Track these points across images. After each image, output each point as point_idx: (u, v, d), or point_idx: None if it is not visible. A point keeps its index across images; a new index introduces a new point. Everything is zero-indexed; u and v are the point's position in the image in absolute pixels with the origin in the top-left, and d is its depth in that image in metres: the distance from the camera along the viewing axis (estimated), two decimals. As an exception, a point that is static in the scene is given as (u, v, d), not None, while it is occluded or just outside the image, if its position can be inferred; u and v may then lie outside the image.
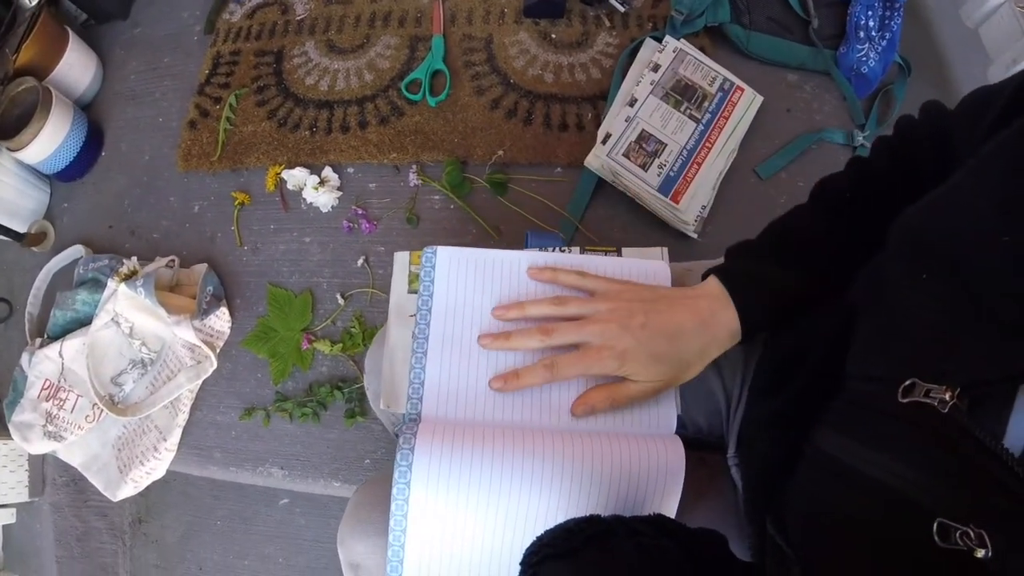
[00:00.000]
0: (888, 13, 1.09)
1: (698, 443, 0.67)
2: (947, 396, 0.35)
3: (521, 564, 0.46)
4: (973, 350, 0.36)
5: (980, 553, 0.31)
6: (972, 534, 0.32)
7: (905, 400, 0.37)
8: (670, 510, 0.57)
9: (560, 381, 0.57)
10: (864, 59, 1.09)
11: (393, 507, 0.54)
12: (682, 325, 0.54)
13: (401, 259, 0.71)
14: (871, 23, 1.08)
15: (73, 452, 1.10)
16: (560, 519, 0.50)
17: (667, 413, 0.61)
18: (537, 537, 0.47)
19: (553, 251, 0.75)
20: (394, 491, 0.53)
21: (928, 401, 0.36)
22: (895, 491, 0.36)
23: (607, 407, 0.57)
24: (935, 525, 0.33)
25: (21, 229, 1.20)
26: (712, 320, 0.54)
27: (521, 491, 0.53)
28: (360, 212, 1.09)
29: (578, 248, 0.82)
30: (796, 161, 1.06)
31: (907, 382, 0.37)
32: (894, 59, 1.10)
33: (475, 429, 0.57)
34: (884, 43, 1.09)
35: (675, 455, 0.56)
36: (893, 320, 0.42)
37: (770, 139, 1.07)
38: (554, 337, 0.56)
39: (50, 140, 1.14)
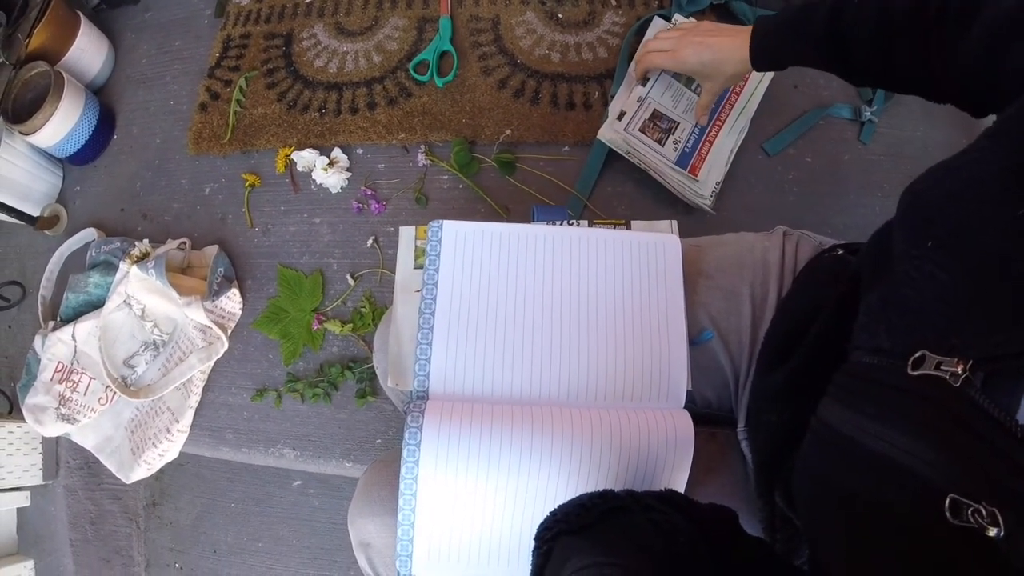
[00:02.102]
0: (897, -11, 1.09)
1: (708, 418, 0.67)
2: (959, 369, 0.34)
3: (535, 540, 0.46)
4: (985, 322, 0.35)
5: (992, 532, 0.30)
6: (984, 512, 0.31)
7: (915, 373, 0.36)
8: (680, 484, 0.57)
9: (645, 66, 0.92)
10: (873, 33, 1.09)
11: (402, 486, 0.54)
12: (720, 38, 0.79)
13: (407, 234, 0.70)
14: (879, -1, 1.08)
15: (86, 435, 1.11)
16: (571, 495, 0.50)
17: (677, 385, 0.61)
18: (550, 512, 0.47)
19: (560, 224, 0.75)
20: (403, 470, 0.53)
21: (939, 374, 0.35)
22: (904, 467, 0.35)
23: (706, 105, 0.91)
24: (947, 501, 0.32)
25: (34, 212, 1.21)
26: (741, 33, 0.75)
27: (531, 467, 0.54)
28: (369, 193, 1.09)
29: (586, 221, 0.82)
30: (804, 137, 1.06)
31: (917, 354, 0.37)
32: (905, 32, 1.09)
33: (484, 406, 0.57)
34: (893, 16, 1.08)
35: (684, 428, 0.57)
36: (900, 290, 0.41)
37: (778, 115, 1.07)
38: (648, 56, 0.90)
39: (62, 124, 1.15)
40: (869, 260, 0.50)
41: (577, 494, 0.49)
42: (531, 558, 0.46)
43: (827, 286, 0.55)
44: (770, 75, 1.06)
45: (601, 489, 0.49)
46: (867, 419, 0.39)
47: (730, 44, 0.77)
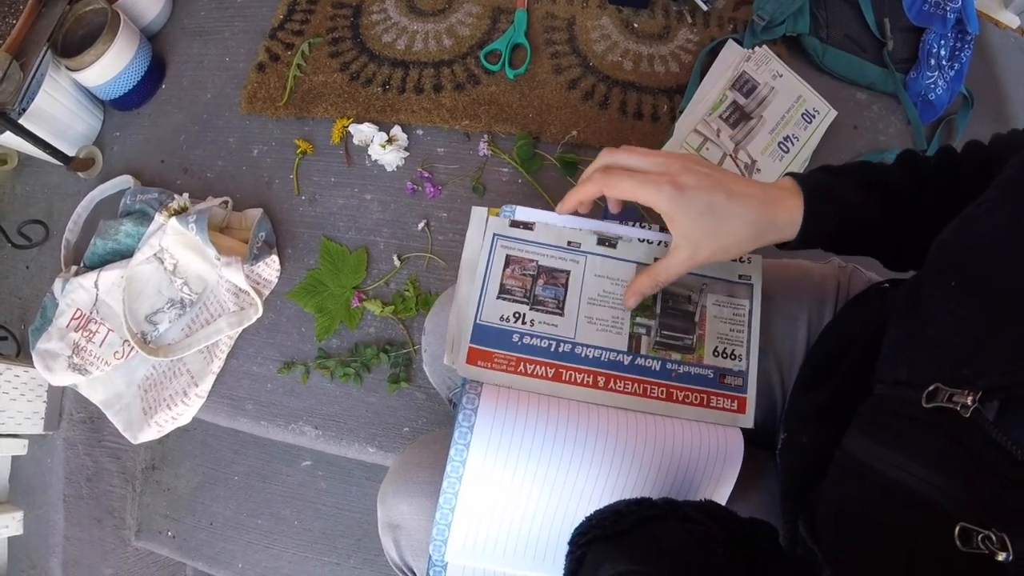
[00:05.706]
0: (959, 44, 1.12)
1: (749, 437, 0.67)
2: (968, 400, 0.36)
3: (569, 544, 0.46)
4: (994, 353, 0.37)
5: (1001, 556, 0.31)
6: (994, 537, 0.32)
7: (929, 405, 0.38)
8: (721, 497, 0.57)
9: (611, 193, 0.53)
10: (932, 86, 1.11)
11: (448, 468, 0.53)
12: (746, 190, 0.50)
13: (478, 214, 0.69)
14: (942, 52, 1.10)
15: (96, 388, 1.06)
16: (614, 498, 0.50)
17: None
18: (587, 517, 0.47)
19: (633, 225, 0.71)
20: (451, 452, 0.52)
21: (950, 406, 0.36)
22: (918, 494, 0.37)
23: (652, 287, 0.56)
24: (957, 529, 0.33)
25: (69, 152, 1.16)
26: (776, 199, 0.50)
27: (580, 465, 0.53)
28: (426, 175, 1.07)
29: (658, 225, 0.80)
30: (861, 177, 1.07)
31: (931, 387, 0.38)
32: (960, 90, 1.12)
33: (539, 397, 0.56)
34: (952, 73, 1.11)
35: (734, 444, 0.57)
36: (922, 327, 0.43)
37: (835, 155, 1.08)
38: (616, 175, 0.52)
39: (112, 65, 1.11)
40: (899, 300, 0.51)
41: (622, 494, 0.49)
42: (564, 562, 0.46)
43: (867, 318, 0.57)
44: (834, 112, 1.07)
45: (642, 494, 0.49)
46: (886, 448, 0.40)
47: (756, 190, 0.51)
